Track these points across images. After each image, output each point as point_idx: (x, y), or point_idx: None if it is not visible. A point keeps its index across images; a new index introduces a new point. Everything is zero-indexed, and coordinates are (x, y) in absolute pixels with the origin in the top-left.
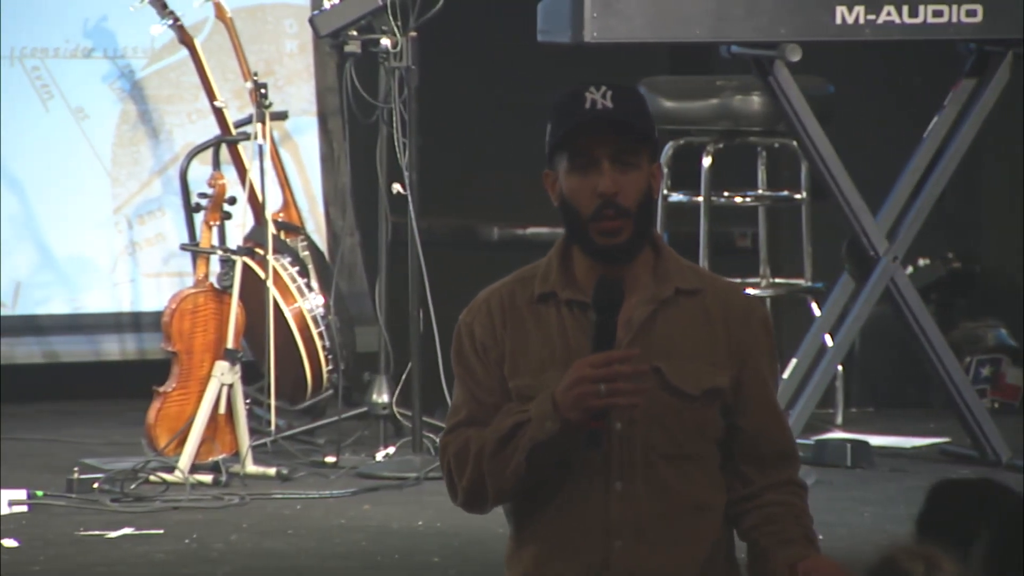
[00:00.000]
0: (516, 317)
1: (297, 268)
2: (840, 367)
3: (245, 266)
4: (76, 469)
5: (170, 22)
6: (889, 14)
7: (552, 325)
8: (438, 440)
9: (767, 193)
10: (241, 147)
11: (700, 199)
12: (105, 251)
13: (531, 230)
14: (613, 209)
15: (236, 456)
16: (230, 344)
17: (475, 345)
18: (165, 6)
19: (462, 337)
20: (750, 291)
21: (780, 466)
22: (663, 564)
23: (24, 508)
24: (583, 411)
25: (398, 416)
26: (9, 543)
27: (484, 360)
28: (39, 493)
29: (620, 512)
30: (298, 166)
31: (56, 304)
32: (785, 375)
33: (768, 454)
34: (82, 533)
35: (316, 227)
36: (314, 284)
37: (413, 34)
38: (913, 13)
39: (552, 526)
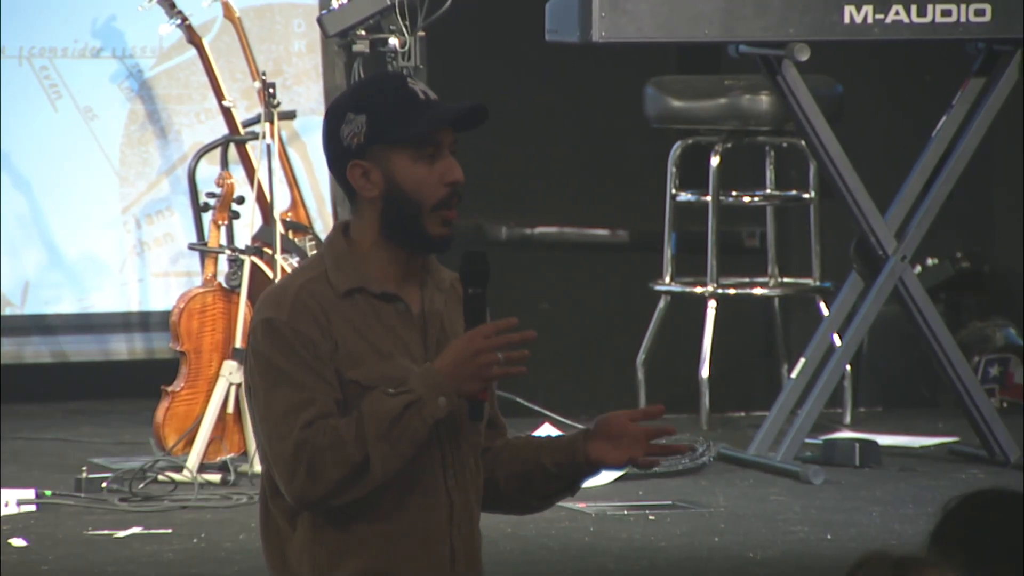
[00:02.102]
0: (334, 312)
1: None
2: (848, 367)
3: (253, 265)
4: (85, 468)
5: (178, 22)
6: (898, 14)
7: (371, 317)
8: (282, 439)
9: (775, 193)
10: (249, 147)
11: (708, 198)
12: (113, 251)
13: (539, 230)
14: (459, 197)
15: (244, 455)
16: (238, 344)
17: (303, 341)
18: (173, 6)
19: (283, 335)
20: (758, 291)
21: (503, 433)
22: (478, 550)
23: (33, 507)
24: (483, 381)
25: None
26: (18, 542)
27: (317, 355)
28: (48, 492)
29: (457, 505)
30: (306, 166)
31: (64, 304)
32: (793, 374)
33: (499, 422)
34: (91, 532)
35: (324, 227)
36: None
37: (421, 34)
38: (922, 12)
39: (394, 522)
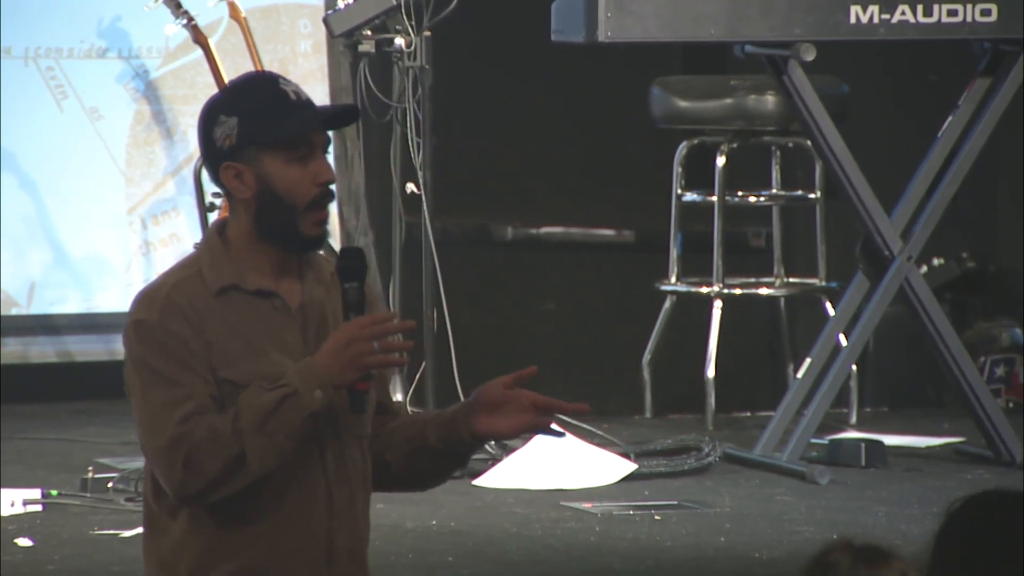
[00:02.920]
0: (207, 311)
1: None
2: (854, 367)
3: None
4: (90, 468)
5: (184, 22)
6: (904, 13)
7: (246, 315)
8: (158, 434)
9: (781, 192)
10: None
11: (714, 199)
12: (119, 251)
13: (545, 230)
14: (330, 197)
15: None
16: None
17: (174, 340)
18: (179, 6)
19: (153, 335)
20: (764, 291)
21: (397, 416)
22: (362, 541)
23: (38, 507)
24: (358, 371)
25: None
26: (24, 542)
27: (188, 352)
28: (54, 492)
29: (337, 496)
30: None
31: (70, 304)
32: (799, 374)
33: (391, 408)
34: (96, 532)
35: (330, 227)
36: None
37: (427, 34)
38: (928, 12)
39: (270, 516)
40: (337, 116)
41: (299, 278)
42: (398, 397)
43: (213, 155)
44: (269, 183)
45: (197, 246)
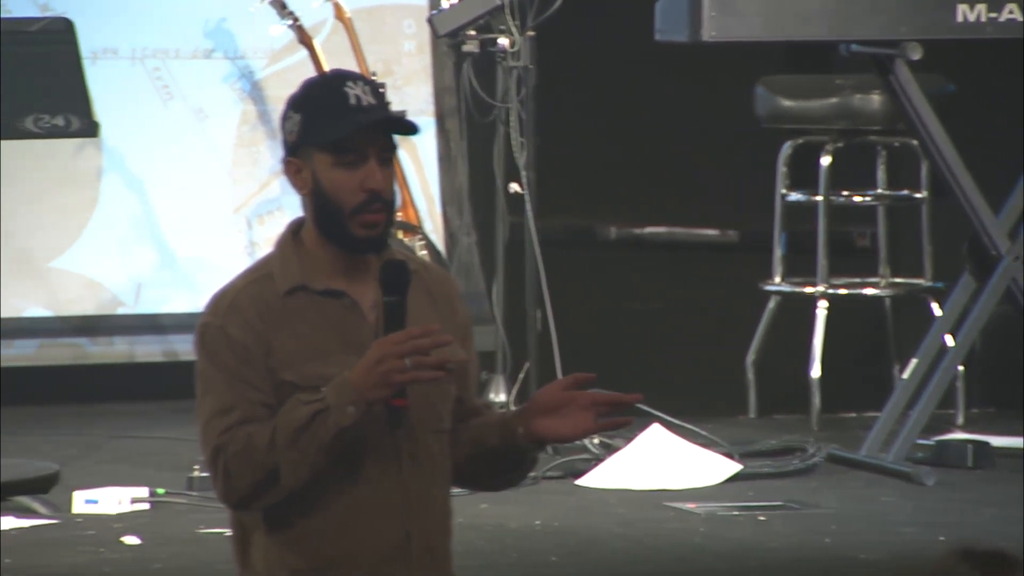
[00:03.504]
0: (272, 314)
1: None
2: (961, 367)
3: None
4: (196, 467)
5: (290, 23)
6: (1011, 12)
7: (314, 316)
8: (204, 444)
9: (886, 192)
10: None
11: (819, 198)
12: (225, 251)
13: (648, 229)
14: (380, 203)
15: None
16: None
17: (233, 346)
18: (285, 7)
19: (214, 340)
20: (869, 291)
21: (476, 412)
22: (444, 539)
23: (145, 506)
24: (389, 388)
25: None
26: (131, 540)
27: (246, 359)
28: (160, 491)
29: (413, 492)
30: (416, 166)
31: (176, 303)
32: (905, 375)
33: (477, 406)
34: (202, 531)
35: (434, 227)
36: None
37: (531, 33)
38: None
39: (342, 512)
40: (389, 124)
41: (372, 277)
42: (501, 397)
43: (283, 147)
44: (320, 183)
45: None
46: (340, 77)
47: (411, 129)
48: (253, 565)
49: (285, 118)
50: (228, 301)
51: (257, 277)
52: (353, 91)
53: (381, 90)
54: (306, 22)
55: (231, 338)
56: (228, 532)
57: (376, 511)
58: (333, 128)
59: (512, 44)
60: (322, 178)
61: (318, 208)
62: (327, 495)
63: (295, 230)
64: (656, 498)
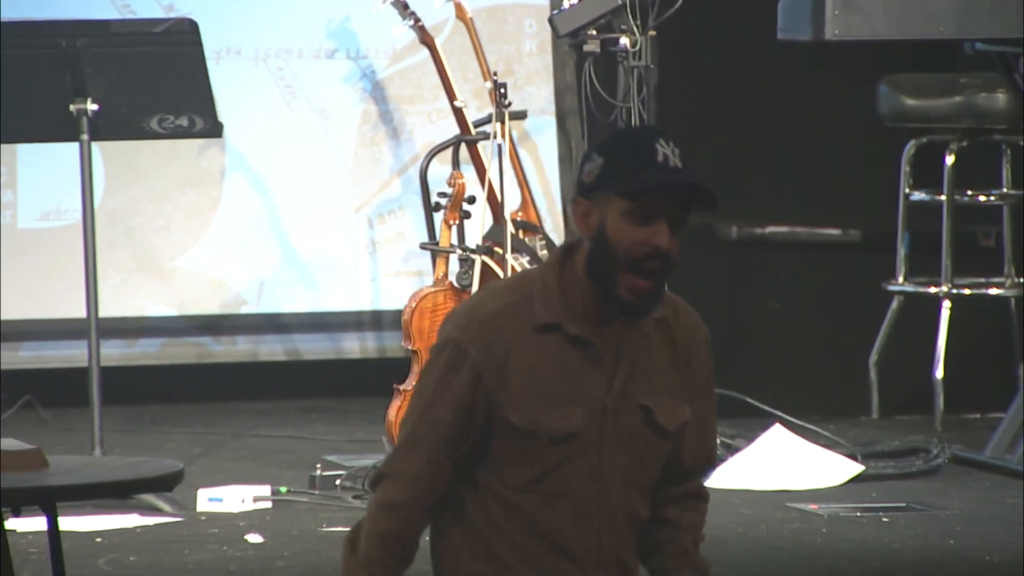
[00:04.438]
0: (518, 345)
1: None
2: None
3: (484, 265)
4: (319, 466)
5: (411, 23)
6: None
7: (557, 360)
8: (386, 463)
9: (1012, 192)
10: (480, 147)
11: (943, 198)
12: (346, 250)
13: (770, 229)
14: (659, 261)
15: None
16: None
17: (468, 370)
18: (406, 7)
19: (452, 357)
20: (994, 291)
21: (692, 476)
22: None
23: (268, 504)
24: None
25: None
26: (254, 539)
27: (473, 385)
28: (283, 489)
29: (604, 540)
30: (536, 165)
31: (298, 302)
32: None
33: (688, 466)
34: (325, 529)
35: (554, 226)
36: None
37: (652, 33)
38: None
39: (534, 551)
40: (694, 190)
41: (622, 324)
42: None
43: (577, 187)
44: (604, 229)
45: (549, 247)
46: (652, 133)
47: (711, 202)
48: (442, 560)
49: (586, 159)
50: (480, 321)
51: (514, 301)
52: (663, 150)
53: (683, 154)
54: (427, 22)
55: (470, 361)
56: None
57: (563, 555)
58: (638, 179)
59: (633, 43)
60: (610, 225)
61: (594, 253)
62: (526, 522)
63: (564, 256)
64: (778, 499)
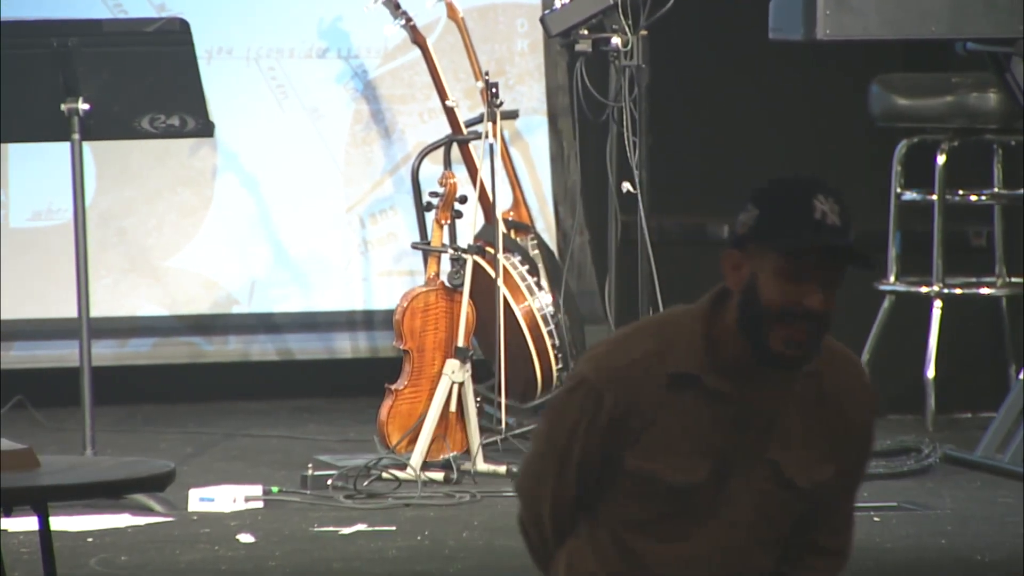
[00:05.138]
0: (652, 394)
1: (527, 267)
2: None
3: (475, 265)
4: (310, 466)
5: (403, 22)
6: None
7: (688, 411)
8: (519, 494)
9: (1003, 191)
10: (472, 146)
11: (934, 197)
12: (338, 250)
13: None
14: (809, 323)
15: (467, 454)
16: (461, 342)
17: (600, 414)
18: (398, 6)
19: (585, 399)
20: (985, 291)
21: (825, 563)
22: None
23: (260, 504)
24: None
25: None
26: (246, 538)
27: (599, 430)
28: (275, 489)
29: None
30: (528, 165)
31: (290, 302)
32: (1022, 375)
33: (823, 548)
34: (316, 529)
35: (546, 226)
36: (544, 283)
37: (644, 32)
38: None
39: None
40: (850, 254)
41: (766, 378)
42: None
43: (730, 237)
44: (756, 284)
45: (686, 307)
46: (812, 187)
47: (867, 265)
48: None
49: (744, 208)
50: (617, 367)
51: (655, 349)
52: (821, 206)
53: (845, 212)
54: (419, 21)
55: (602, 406)
56: (342, 531)
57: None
58: (794, 236)
59: (625, 43)
60: (761, 281)
61: (744, 306)
62: (634, 552)
63: (713, 305)
64: None
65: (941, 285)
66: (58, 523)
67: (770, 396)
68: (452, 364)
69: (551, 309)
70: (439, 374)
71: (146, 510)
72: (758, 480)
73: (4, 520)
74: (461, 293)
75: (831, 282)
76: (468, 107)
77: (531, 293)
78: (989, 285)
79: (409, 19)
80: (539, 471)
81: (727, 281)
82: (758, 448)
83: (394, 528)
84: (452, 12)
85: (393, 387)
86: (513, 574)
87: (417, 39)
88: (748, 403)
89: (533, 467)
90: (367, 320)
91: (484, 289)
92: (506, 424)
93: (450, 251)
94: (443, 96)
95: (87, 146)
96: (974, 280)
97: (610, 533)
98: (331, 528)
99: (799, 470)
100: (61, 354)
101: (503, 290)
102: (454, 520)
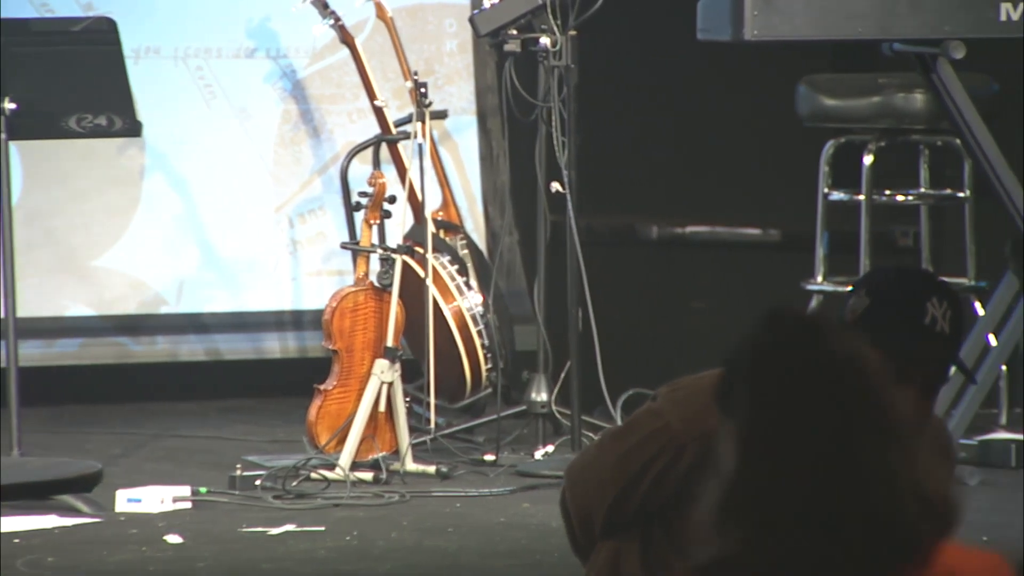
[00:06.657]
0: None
1: (456, 267)
2: (1004, 367)
3: (405, 264)
4: (239, 466)
5: (331, 22)
6: None
7: None
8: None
9: (929, 191)
10: (401, 146)
11: (861, 197)
12: (267, 250)
13: (690, 229)
14: None
15: (396, 454)
16: (390, 342)
17: (663, 450)
18: (326, 6)
19: (659, 434)
20: None
21: None
22: None
23: (188, 505)
24: None
25: (557, 415)
26: (173, 539)
27: (676, 479)
28: (203, 490)
29: None
30: (457, 165)
31: (218, 302)
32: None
33: None
34: (245, 529)
35: (475, 226)
36: (473, 283)
37: (573, 33)
38: None
39: None
40: (953, 365)
41: None
42: (543, 396)
43: (838, 316)
44: None
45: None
46: (927, 287)
47: (970, 376)
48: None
49: (853, 291)
50: (696, 409)
51: None
52: (933, 311)
53: (956, 317)
54: (348, 21)
55: (683, 458)
56: (270, 531)
57: None
58: (898, 339)
59: (554, 43)
60: None
61: None
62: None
63: None
64: None
65: None
66: None
67: None
68: (381, 364)
69: (480, 309)
70: (368, 374)
71: (73, 511)
72: None
73: None
74: (390, 293)
75: (928, 387)
76: (397, 107)
77: (460, 293)
78: None
79: (338, 19)
80: (603, 479)
81: None
82: None
83: (323, 528)
84: (381, 12)
85: (322, 387)
86: (443, 574)
87: (346, 39)
88: None
89: (596, 473)
90: (296, 320)
91: (413, 289)
92: (435, 424)
93: (379, 251)
94: (372, 96)
95: (13, 145)
96: None
97: (657, 562)
98: (260, 529)
99: None
100: None
101: (432, 290)
102: (383, 520)
